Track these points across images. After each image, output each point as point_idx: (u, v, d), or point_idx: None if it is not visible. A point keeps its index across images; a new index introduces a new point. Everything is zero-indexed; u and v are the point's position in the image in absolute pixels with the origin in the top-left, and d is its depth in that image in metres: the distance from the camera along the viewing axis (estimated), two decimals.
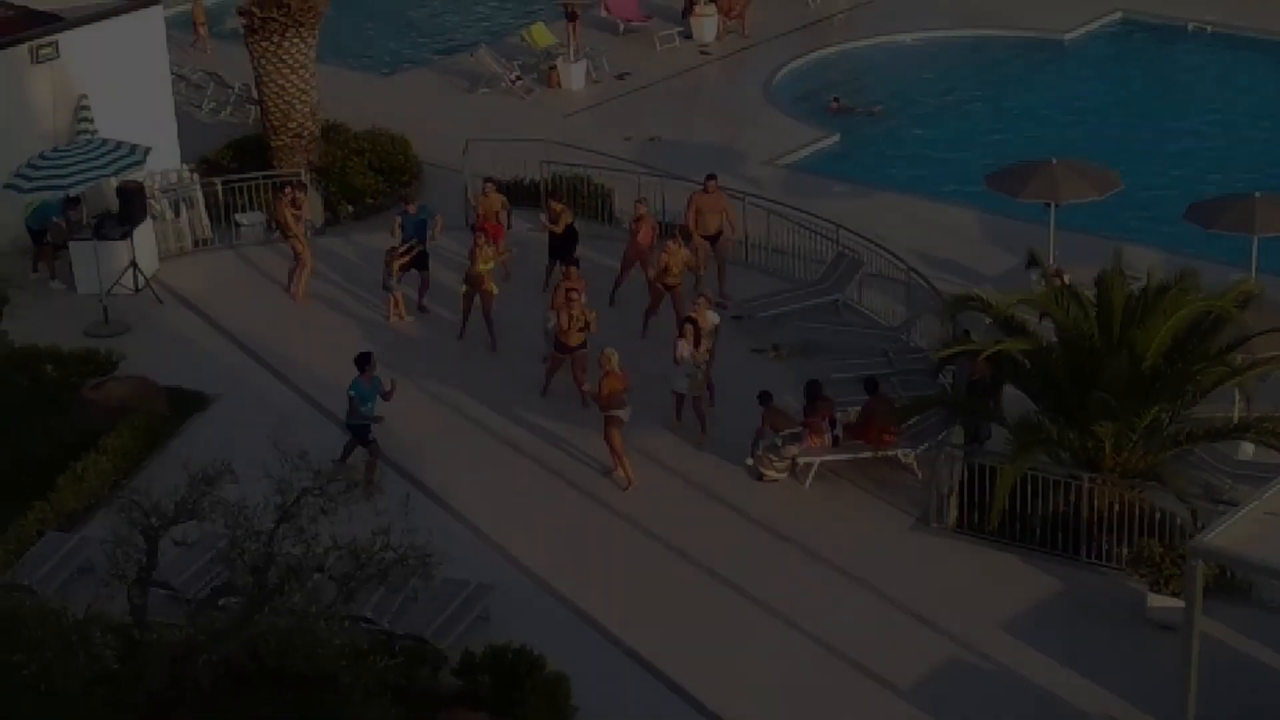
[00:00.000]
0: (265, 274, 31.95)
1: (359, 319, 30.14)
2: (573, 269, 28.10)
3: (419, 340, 29.39)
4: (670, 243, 29.25)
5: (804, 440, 25.01)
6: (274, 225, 31.80)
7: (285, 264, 31.55)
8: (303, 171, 33.72)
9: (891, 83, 42.57)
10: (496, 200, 31.46)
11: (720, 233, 30.51)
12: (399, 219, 30.50)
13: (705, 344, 26.20)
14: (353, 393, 24.86)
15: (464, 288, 29.04)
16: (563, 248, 30.31)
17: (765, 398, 25.44)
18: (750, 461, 25.23)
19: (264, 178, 33.63)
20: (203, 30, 43.35)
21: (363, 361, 25.13)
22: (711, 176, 30.95)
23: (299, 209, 30.81)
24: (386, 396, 25.12)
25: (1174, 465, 23.58)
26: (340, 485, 18.01)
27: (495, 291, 28.88)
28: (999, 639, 21.86)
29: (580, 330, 26.81)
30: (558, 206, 30.82)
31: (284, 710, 19.96)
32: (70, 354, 27.98)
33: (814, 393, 25.46)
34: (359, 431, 25.00)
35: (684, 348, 26.00)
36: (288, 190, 31.06)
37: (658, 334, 28.22)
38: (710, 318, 26.93)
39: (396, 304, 29.85)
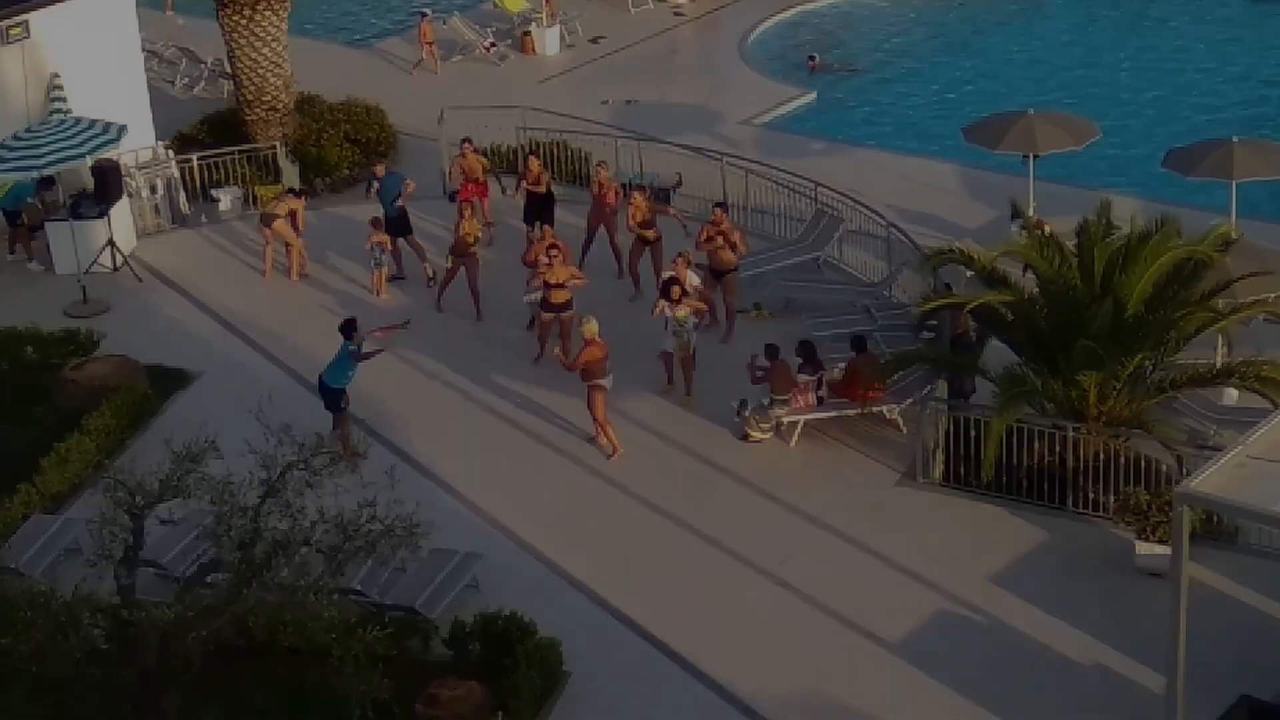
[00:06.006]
0: (243, 249, 31.85)
1: (337, 292, 30.05)
2: (548, 229, 28.01)
3: (400, 310, 29.26)
4: (635, 194, 29.14)
5: (792, 402, 24.93)
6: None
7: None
8: (279, 145, 33.62)
9: (866, 38, 42.50)
10: (476, 161, 31.32)
11: (733, 269, 27.70)
12: (373, 186, 30.50)
13: (687, 304, 26.09)
14: (352, 348, 24.71)
15: (449, 261, 28.88)
16: (541, 208, 30.18)
17: (773, 352, 25.19)
18: (737, 420, 25.17)
19: (239, 152, 33.53)
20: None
21: (348, 328, 24.97)
22: (720, 205, 28.54)
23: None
24: (385, 331, 25.81)
25: (1158, 413, 23.60)
26: (324, 459, 17.94)
27: (477, 255, 28.78)
28: (988, 591, 21.87)
29: (562, 286, 26.67)
30: (536, 165, 30.67)
31: (275, 685, 19.97)
32: (50, 335, 27.88)
33: (808, 354, 25.33)
34: (334, 397, 24.74)
35: (661, 307, 25.89)
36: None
37: (643, 298, 28.12)
38: (691, 278, 26.82)
39: (379, 279, 29.73)
